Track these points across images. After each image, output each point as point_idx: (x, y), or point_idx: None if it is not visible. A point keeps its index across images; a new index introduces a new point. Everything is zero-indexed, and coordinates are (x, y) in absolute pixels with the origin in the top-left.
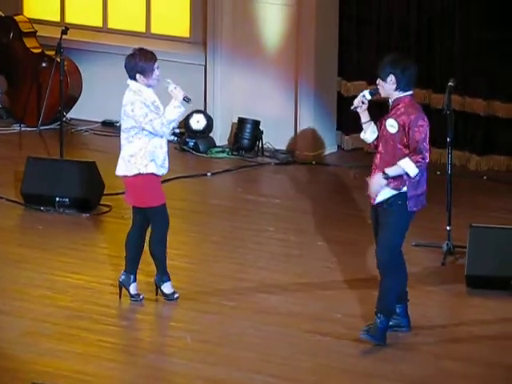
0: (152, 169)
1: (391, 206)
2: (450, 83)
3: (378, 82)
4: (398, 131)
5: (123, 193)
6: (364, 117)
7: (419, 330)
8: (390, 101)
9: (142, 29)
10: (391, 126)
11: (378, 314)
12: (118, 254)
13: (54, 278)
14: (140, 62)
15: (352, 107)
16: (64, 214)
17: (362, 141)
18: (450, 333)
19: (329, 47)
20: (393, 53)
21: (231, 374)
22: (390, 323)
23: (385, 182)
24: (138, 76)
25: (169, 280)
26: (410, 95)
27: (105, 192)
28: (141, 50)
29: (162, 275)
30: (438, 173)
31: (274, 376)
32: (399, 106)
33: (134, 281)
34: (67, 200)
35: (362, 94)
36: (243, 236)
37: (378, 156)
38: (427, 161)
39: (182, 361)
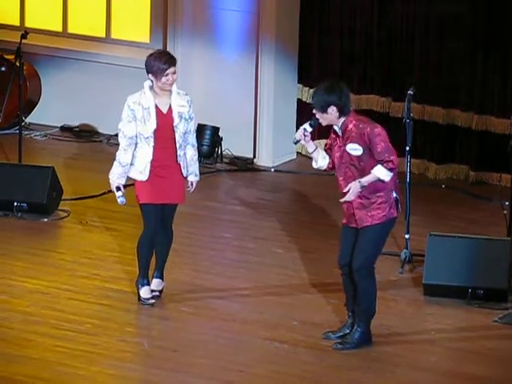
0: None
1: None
2: (409, 92)
3: (316, 113)
4: (364, 150)
5: (81, 198)
6: (310, 147)
7: (377, 338)
8: (334, 127)
9: (102, 34)
10: (354, 149)
11: (357, 321)
12: (75, 259)
13: (10, 283)
14: (153, 62)
15: (294, 141)
16: (22, 219)
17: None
18: (407, 341)
19: (289, 54)
20: (321, 84)
21: (188, 380)
22: (347, 331)
23: (360, 189)
24: (149, 75)
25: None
26: (351, 112)
27: (63, 197)
28: (162, 51)
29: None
30: (397, 181)
31: (232, 383)
32: (350, 128)
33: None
34: (25, 205)
35: (302, 128)
36: (201, 242)
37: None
38: (397, 163)
39: (139, 367)
